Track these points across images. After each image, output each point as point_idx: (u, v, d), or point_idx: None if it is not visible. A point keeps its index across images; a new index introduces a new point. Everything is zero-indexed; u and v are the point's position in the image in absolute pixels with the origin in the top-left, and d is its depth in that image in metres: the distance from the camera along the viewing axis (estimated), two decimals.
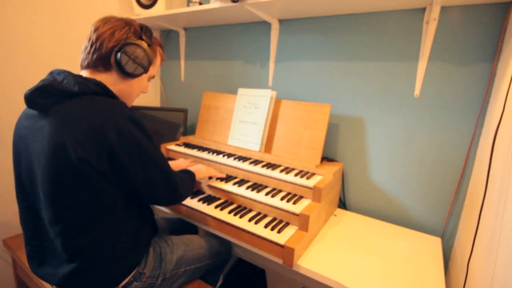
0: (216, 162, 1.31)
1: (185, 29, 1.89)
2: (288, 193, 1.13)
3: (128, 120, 0.74)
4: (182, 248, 1.01)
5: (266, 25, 1.53)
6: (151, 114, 1.79)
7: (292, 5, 1.22)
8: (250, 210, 1.12)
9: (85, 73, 0.82)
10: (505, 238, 0.67)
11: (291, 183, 1.12)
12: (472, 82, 1.08)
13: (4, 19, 1.31)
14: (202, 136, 1.57)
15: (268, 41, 1.55)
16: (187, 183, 1.01)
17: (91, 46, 0.80)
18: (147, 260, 0.89)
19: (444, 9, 1.09)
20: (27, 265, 1.18)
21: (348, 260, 0.98)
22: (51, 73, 0.79)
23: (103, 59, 0.80)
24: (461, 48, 1.08)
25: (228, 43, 1.72)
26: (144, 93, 0.96)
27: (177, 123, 1.77)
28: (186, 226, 1.27)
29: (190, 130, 1.96)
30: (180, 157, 1.44)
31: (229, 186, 1.18)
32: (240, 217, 1.07)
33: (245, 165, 1.24)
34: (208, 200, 1.18)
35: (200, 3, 1.51)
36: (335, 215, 1.30)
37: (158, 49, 0.94)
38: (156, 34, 2.01)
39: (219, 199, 1.20)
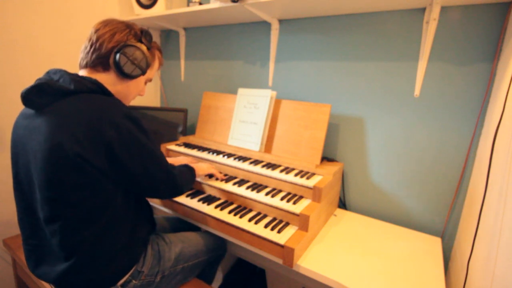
0: (216, 162, 1.31)
1: (185, 29, 1.89)
2: (288, 193, 1.13)
3: (125, 117, 0.75)
4: (180, 245, 1.01)
5: (266, 25, 1.53)
6: (151, 114, 1.79)
7: (292, 5, 1.22)
8: (250, 210, 1.12)
9: (83, 73, 0.83)
10: (505, 238, 0.67)
11: (291, 183, 1.12)
12: (472, 82, 1.08)
13: (4, 19, 1.31)
14: (202, 136, 1.57)
15: (268, 41, 1.55)
16: (186, 177, 1.03)
17: (91, 46, 0.81)
18: (145, 258, 0.89)
19: (444, 9, 1.09)
20: (27, 265, 1.18)
21: (348, 260, 0.98)
22: (48, 72, 0.80)
23: (102, 59, 0.81)
24: (461, 48, 1.08)
25: (228, 43, 1.72)
26: (140, 95, 0.98)
27: (177, 123, 1.77)
28: (186, 225, 1.27)
29: (190, 130, 1.96)
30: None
31: (229, 186, 1.18)
32: (240, 217, 1.07)
33: (245, 165, 1.24)
34: (208, 200, 1.18)
35: (200, 3, 1.51)
36: (335, 215, 1.30)
37: (157, 53, 0.96)
38: (156, 34, 2.01)
39: (219, 199, 1.20)
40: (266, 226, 1.00)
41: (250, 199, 1.12)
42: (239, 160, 1.29)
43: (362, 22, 1.27)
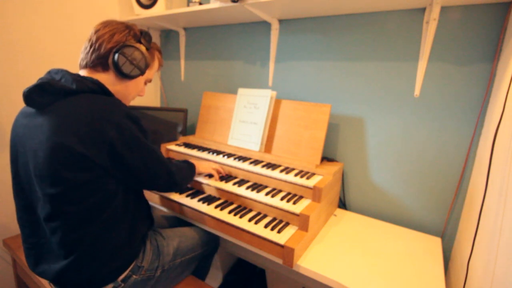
0: (216, 162, 1.31)
1: (185, 29, 1.89)
2: (288, 193, 1.13)
3: (126, 116, 0.77)
4: (177, 240, 1.03)
5: (266, 25, 1.53)
6: (151, 114, 1.79)
7: (292, 5, 1.22)
8: (250, 210, 1.12)
9: (83, 73, 0.84)
10: (505, 238, 0.67)
11: (291, 183, 1.12)
12: (472, 82, 1.08)
13: (4, 19, 1.31)
14: (202, 136, 1.57)
15: (268, 41, 1.55)
16: (185, 172, 1.07)
17: (91, 46, 0.83)
18: (144, 253, 0.90)
19: (444, 9, 1.09)
20: (27, 264, 1.19)
21: (348, 260, 0.98)
22: (49, 72, 0.81)
23: (102, 59, 0.82)
24: (461, 48, 1.08)
25: (228, 43, 1.72)
26: (140, 96, 0.99)
27: (177, 123, 1.77)
28: (184, 223, 1.27)
29: (190, 130, 1.96)
30: (180, 157, 1.44)
31: (229, 186, 1.18)
32: (240, 217, 1.07)
33: (245, 165, 1.24)
34: (208, 200, 1.18)
35: (200, 3, 1.51)
36: (335, 215, 1.30)
37: (157, 54, 0.98)
38: (156, 34, 2.01)
39: (219, 199, 1.20)
40: (266, 226, 1.00)
41: (250, 199, 1.12)
42: (239, 160, 1.29)
43: (362, 22, 1.27)
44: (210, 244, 1.17)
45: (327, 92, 1.41)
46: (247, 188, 1.16)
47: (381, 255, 1.03)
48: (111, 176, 0.77)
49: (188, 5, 1.71)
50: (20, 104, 1.41)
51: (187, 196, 1.21)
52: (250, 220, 1.04)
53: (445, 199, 1.18)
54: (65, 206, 0.73)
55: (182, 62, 1.95)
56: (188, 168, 1.12)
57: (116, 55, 0.81)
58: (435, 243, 1.13)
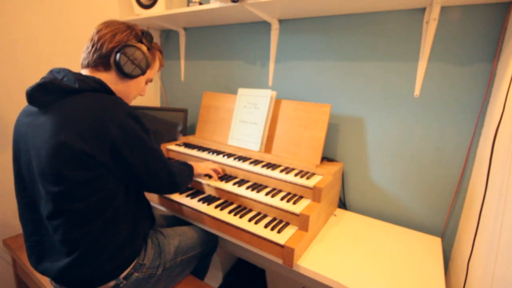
0: (216, 162, 1.31)
1: (185, 29, 1.89)
2: (288, 193, 1.13)
3: (128, 115, 0.77)
4: (177, 239, 1.04)
5: (266, 25, 1.53)
6: (151, 114, 1.80)
7: (292, 5, 1.22)
8: (250, 210, 1.12)
9: (85, 72, 0.85)
10: (505, 238, 0.67)
11: (291, 183, 1.12)
12: (472, 82, 1.08)
13: (4, 19, 1.31)
14: (202, 136, 1.57)
15: (268, 41, 1.55)
16: (185, 174, 1.07)
17: (93, 46, 0.83)
18: (146, 251, 0.91)
19: (444, 9, 1.09)
20: (27, 265, 1.19)
21: (348, 260, 0.98)
22: (51, 71, 0.81)
23: (103, 59, 0.83)
24: (461, 48, 1.08)
25: (228, 43, 1.72)
26: (141, 95, 1.00)
27: (177, 123, 1.77)
28: (183, 223, 1.27)
29: (190, 130, 1.96)
30: (180, 157, 1.44)
31: (229, 186, 1.18)
32: (240, 217, 1.07)
33: (245, 165, 1.24)
34: (208, 200, 1.18)
35: (200, 3, 1.51)
36: (335, 215, 1.30)
37: (158, 54, 0.98)
38: (156, 34, 2.01)
39: (219, 199, 1.20)
40: (266, 226, 1.00)
41: (250, 199, 1.12)
42: (239, 160, 1.29)
43: (362, 22, 1.27)
44: (209, 243, 1.18)
45: (327, 92, 1.41)
46: (247, 188, 1.16)
47: (381, 255, 1.03)
48: (112, 175, 0.77)
49: (188, 5, 1.71)
50: (20, 104, 1.41)
51: (187, 196, 1.21)
52: (250, 220, 1.04)
53: (445, 199, 1.18)
54: (67, 204, 0.73)
55: (182, 62, 1.95)
56: (188, 169, 1.12)
57: (118, 55, 0.82)
58: (435, 243, 1.13)
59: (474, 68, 1.07)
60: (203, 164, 1.24)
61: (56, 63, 1.50)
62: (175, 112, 1.78)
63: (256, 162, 1.29)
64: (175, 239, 1.03)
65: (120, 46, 0.82)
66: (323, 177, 1.15)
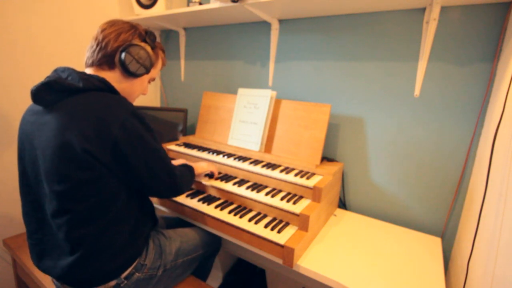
0: (216, 162, 1.31)
1: (185, 29, 1.89)
2: (288, 193, 1.13)
3: (131, 114, 0.77)
4: (179, 240, 1.04)
5: (266, 25, 1.53)
6: (151, 114, 1.80)
7: (292, 5, 1.22)
8: (250, 210, 1.12)
9: (89, 71, 0.85)
10: (505, 238, 0.67)
11: (291, 183, 1.12)
12: (472, 82, 1.08)
13: (4, 19, 1.31)
14: (202, 136, 1.57)
15: (268, 41, 1.55)
16: (187, 177, 1.05)
17: (97, 45, 0.84)
18: (147, 251, 0.91)
19: (444, 9, 1.09)
20: (27, 265, 1.19)
21: (348, 260, 0.98)
22: (56, 70, 0.82)
23: (108, 58, 0.84)
24: (461, 48, 1.08)
25: (228, 43, 1.72)
26: (143, 94, 1.01)
27: (177, 123, 1.77)
28: (183, 224, 1.27)
29: (190, 130, 1.96)
30: (180, 157, 1.44)
31: (229, 186, 1.18)
32: (240, 217, 1.07)
33: (245, 165, 1.24)
34: (208, 200, 1.18)
35: (200, 3, 1.51)
36: (335, 215, 1.30)
37: (160, 53, 0.99)
38: (156, 34, 2.01)
39: (219, 199, 1.20)
40: (266, 226, 1.00)
41: (250, 199, 1.12)
42: (239, 160, 1.29)
43: (362, 22, 1.27)
44: (212, 245, 1.17)
45: (327, 92, 1.41)
46: (247, 188, 1.16)
47: (381, 255, 1.03)
48: (113, 176, 0.77)
49: (188, 5, 1.71)
50: (20, 104, 1.41)
51: (187, 196, 1.21)
52: (250, 220, 1.04)
53: (445, 199, 1.18)
54: (71, 203, 0.74)
55: (182, 62, 1.95)
56: (189, 172, 1.09)
57: (123, 54, 0.83)
58: (435, 243, 1.13)
59: (474, 68, 1.07)
60: (204, 163, 1.23)
61: (56, 63, 1.50)
62: (175, 112, 1.78)
63: (256, 162, 1.29)
64: (177, 241, 1.03)
65: (125, 45, 0.83)
66: (323, 177, 1.15)
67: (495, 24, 1.01)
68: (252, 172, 1.22)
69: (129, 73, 0.85)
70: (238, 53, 1.68)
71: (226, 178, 1.25)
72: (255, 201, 1.10)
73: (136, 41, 0.86)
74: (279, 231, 0.98)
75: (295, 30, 1.45)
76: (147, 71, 0.90)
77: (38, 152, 0.76)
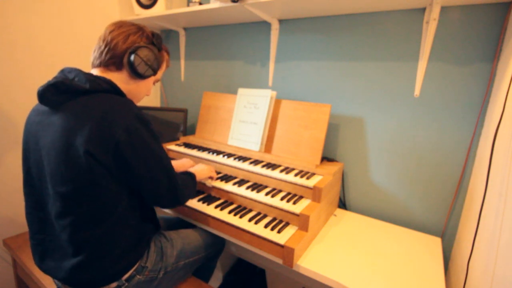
0: (216, 162, 1.31)
1: (185, 29, 1.89)
2: (288, 193, 1.13)
3: (136, 118, 0.77)
4: (180, 242, 1.03)
5: (266, 25, 1.53)
6: (151, 114, 1.80)
7: (292, 5, 1.22)
8: (250, 210, 1.12)
9: (95, 72, 0.86)
10: (505, 238, 0.67)
11: (291, 183, 1.12)
12: (472, 82, 1.08)
13: (4, 19, 1.31)
14: (202, 136, 1.57)
15: (268, 41, 1.55)
16: (189, 186, 1.02)
17: (105, 46, 0.84)
18: (148, 254, 0.90)
19: (444, 9, 1.09)
20: (27, 265, 1.19)
21: (348, 260, 0.98)
22: (62, 71, 0.82)
23: (116, 59, 0.84)
24: (461, 48, 1.08)
25: (228, 43, 1.72)
26: (147, 95, 1.01)
27: (177, 123, 1.77)
28: (184, 225, 1.27)
29: (190, 130, 1.96)
30: (180, 157, 1.44)
31: (229, 186, 1.18)
32: (240, 217, 1.07)
33: (245, 165, 1.24)
34: (208, 200, 1.18)
35: (200, 3, 1.51)
36: (335, 215, 1.30)
37: (166, 55, 1.00)
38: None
39: (219, 199, 1.20)
40: (266, 226, 1.00)
41: (250, 199, 1.12)
42: (239, 160, 1.29)
43: (362, 22, 1.27)
44: (215, 246, 1.16)
45: (327, 92, 1.41)
46: (247, 188, 1.16)
47: (381, 255, 1.03)
48: (115, 179, 0.76)
49: (188, 5, 1.71)
50: (20, 104, 1.41)
51: None
52: (250, 220, 1.04)
53: (445, 199, 1.18)
54: (74, 205, 0.74)
55: (182, 62, 1.95)
56: (192, 181, 1.06)
57: (132, 56, 0.83)
58: (435, 243, 1.13)
59: (474, 68, 1.07)
60: (205, 168, 1.20)
61: (56, 63, 1.50)
62: (175, 112, 1.78)
63: (256, 162, 1.29)
64: (178, 243, 1.02)
65: (133, 47, 0.84)
66: (323, 177, 1.15)
67: (495, 24, 1.01)
68: (252, 172, 1.22)
69: (137, 75, 0.86)
70: (238, 53, 1.68)
71: (226, 178, 1.25)
72: (255, 201, 1.10)
73: (145, 43, 0.87)
74: (279, 231, 0.98)
75: (295, 30, 1.45)
76: (155, 72, 0.91)
77: (43, 153, 0.76)
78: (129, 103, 0.79)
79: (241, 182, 1.21)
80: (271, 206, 1.07)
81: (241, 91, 1.44)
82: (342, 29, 1.32)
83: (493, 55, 1.03)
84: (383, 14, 1.22)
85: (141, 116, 0.78)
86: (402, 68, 1.21)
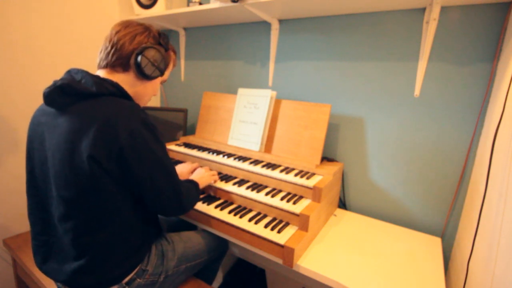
0: (216, 162, 1.31)
1: (185, 29, 1.89)
2: (288, 193, 1.13)
3: (142, 123, 0.75)
4: (182, 245, 1.02)
5: (266, 25, 1.53)
6: (151, 114, 1.80)
7: (292, 5, 1.22)
8: (250, 210, 1.12)
9: (102, 73, 0.84)
10: (505, 238, 0.67)
11: (291, 183, 1.12)
12: (472, 82, 1.08)
13: (4, 19, 1.31)
14: (202, 136, 1.57)
15: (268, 41, 1.55)
16: (192, 196, 1.00)
17: (112, 47, 0.82)
18: (149, 257, 0.90)
19: (444, 9, 1.09)
20: (27, 265, 1.19)
21: (348, 260, 0.98)
22: (69, 72, 0.81)
23: (123, 60, 0.83)
24: (461, 48, 1.08)
25: (228, 43, 1.72)
26: (154, 95, 0.99)
27: (177, 123, 1.77)
28: (185, 225, 1.27)
29: (190, 130, 1.96)
30: (180, 157, 1.44)
31: (229, 186, 1.18)
32: (240, 217, 1.07)
33: (245, 165, 1.24)
34: (208, 200, 1.18)
35: (200, 3, 1.51)
36: (335, 215, 1.30)
37: (172, 55, 0.98)
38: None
39: (219, 199, 1.20)
40: (266, 226, 1.00)
41: (250, 199, 1.12)
42: (239, 160, 1.29)
43: (362, 22, 1.27)
44: (218, 249, 1.15)
45: (327, 92, 1.41)
46: (247, 188, 1.16)
47: (381, 255, 1.03)
48: (118, 184, 0.75)
49: (188, 5, 1.71)
50: (20, 104, 1.41)
51: None
52: (250, 220, 1.04)
53: (445, 199, 1.18)
54: (77, 209, 0.74)
55: (182, 62, 1.95)
56: (195, 190, 1.04)
57: (139, 57, 0.82)
58: (435, 243, 1.13)
59: (474, 68, 1.07)
60: (207, 176, 1.18)
61: (56, 63, 1.50)
62: (175, 112, 1.78)
63: (256, 162, 1.29)
64: (179, 246, 1.00)
65: (140, 48, 0.82)
66: (323, 177, 1.15)
67: (495, 24, 1.01)
68: (252, 172, 1.22)
69: (144, 76, 0.84)
70: (238, 53, 1.68)
71: (226, 178, 1.25)
72: (255, 201, 1.10)
73: (151, 44, 0.85)
74: (279, 231, 0.98)
75: (295, 30, 1.45)
76: (162, 73, 0.89)
77: (49, 154, 0.76)
78: (135, 107, 0.77)
79: (241, 182, 1.21)
80: (271, 206, 1.07)
81: (241, 91, 1.44)
82: (342, 29, 1.32)
83: (493, 55, 1.03)
84: (383, 14, 1.22)
85: (147, 121, 0.76)
86: (402, 68, 1.21)
